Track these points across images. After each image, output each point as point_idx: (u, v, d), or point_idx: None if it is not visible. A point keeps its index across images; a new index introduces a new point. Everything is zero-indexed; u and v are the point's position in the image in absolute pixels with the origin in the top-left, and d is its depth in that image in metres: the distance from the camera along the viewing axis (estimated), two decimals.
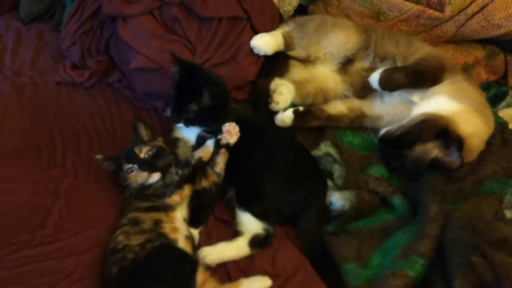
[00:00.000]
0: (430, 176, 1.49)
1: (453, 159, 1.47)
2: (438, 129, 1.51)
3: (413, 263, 1.30)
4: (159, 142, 1.54)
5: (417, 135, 1.53)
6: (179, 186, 1.42)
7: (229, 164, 1.51)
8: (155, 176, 1.43)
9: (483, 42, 2.04)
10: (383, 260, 1.40)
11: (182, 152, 1.61)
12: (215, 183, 1.50)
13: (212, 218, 1.53)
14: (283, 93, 1.71)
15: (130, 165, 1.44)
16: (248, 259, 1.41)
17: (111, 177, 1.58)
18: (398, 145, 1.57)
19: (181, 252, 1.30)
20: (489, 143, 1.65)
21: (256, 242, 1.41)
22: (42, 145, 1.69)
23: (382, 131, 1.62)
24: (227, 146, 1.49)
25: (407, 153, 1.55)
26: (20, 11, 2.34)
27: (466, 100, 1.61)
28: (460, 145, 1.50)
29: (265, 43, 1.80)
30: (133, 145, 1.49)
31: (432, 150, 1.52)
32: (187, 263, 1.24)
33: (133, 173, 1.43)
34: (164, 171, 1.45)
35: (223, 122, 1.53)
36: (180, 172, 1.43)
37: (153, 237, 1.30)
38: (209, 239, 1.46)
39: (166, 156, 1.51)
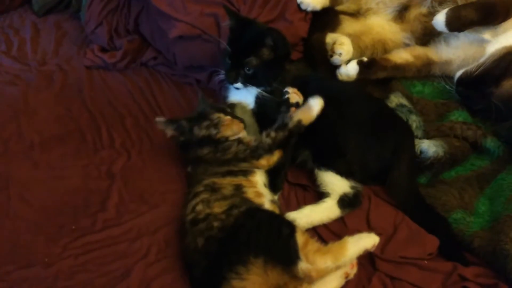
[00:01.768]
0: None
1: None
2: None
3: None
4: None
5: (503, 70, 1.39)
6: (269, 150, 1.26)
7: None
8: (242, 127, 1.31)
9: None
10: (491, 206, 1.26)
11: (241, 117, 1.45)
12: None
13: (287, 185, 1.37)
14: (344, 43, 1.56)
15: (221, 114, 1.30)
16: (339, 221, 1.27)
17: (167, 153, 1.42)
18: (481, 84, 1.42)
19: (273, 213, 1.14)
20: None
21: (345, 201, 1.26)
22: (84, 129, 1.54)
23: (459, 73, 1.47)
24: (297, 105, 1.34)
25: (493, 91, 1.40)
26: (33, 4, 2.19)
27: None
28: None
29: None
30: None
31: None
32: (283, 224, 1.07)
33: (226, 123, 1.28)
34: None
35: (282, 81, 1.39)
36: (273, 134, 1.27)
37: (238, 202, 1.14)
38: (289, 207, 1.30)
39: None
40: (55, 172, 1.38)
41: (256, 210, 1.13)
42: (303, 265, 0.98)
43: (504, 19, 1.50)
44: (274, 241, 1.03)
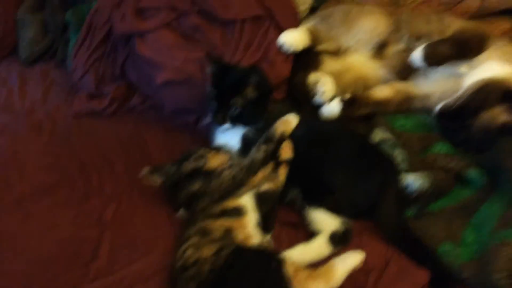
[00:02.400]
0: (506, 141, 1.37)
1: None
2: (503, 91, 1.42)
3: None
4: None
5: (481, 102, 1.44)
6: (264, 162, 1.32)
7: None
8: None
9: (508, 13, 1.98)
10: (478, 235, 1.29)
11: None
12: (277, 188, 1.36)
13: (278, 225, 1.39)
14: (326, 82, 1.61)
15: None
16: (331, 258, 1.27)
17: (158, 198, 1.44)
18: (460, 117, 1.47)
19: (260, 249, 1.17)
20: None
21: (336, 238, 1.28)
22: (74, 177, 1.54)
23: (439, 106, 1.52)
24: (286, 161, 1.38)
25: (472, 122, 1.44)
26: (19, 54, 2.21)
27: None
28: None
29: (293, 38, 1.71)
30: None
31: (500, 114, 1.42)
32: (271, 258, 1.11)
33: (212, 156, 1.32)
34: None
35: (268, 120, 1.44)
36: (264, 147, 1.33)
37: (227, 244, 1.15)
38: (281, 247, 1.31)
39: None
40: (46, 223, 1.37)
41: (243, 249, 1.15)
42: None
43: (478, 53, 1.57)
44: (265, 276, 1.06)
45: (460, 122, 1.47)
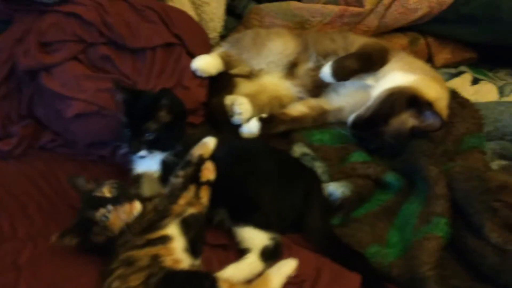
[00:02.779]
0: (417, 143, 1.46)
1: (432, 121, 1.47)
2: (407, 98, 1.52)
3: (437, 224, 1.25)
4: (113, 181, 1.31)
5: (389, 109, 1.52)
6: (184, 187, 1.26)
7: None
8: (137, 205, 1.22)
9: (403, 30, 2.14)
10: (402, 235, 1.34)
11: (148, 188, 1.44)
12: (201, 212, 1.33)
13: (207, 248, 1.35)
14: (243, 103, 1.63)
15: (103, 209, 1.21)
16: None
17: None
18: (372, 125, 1.54)
19: (190, 272, 1.14)
20: (449, 107, 1.66)
21: (267, 254, 1.27)
22: None
23: (351, 117, 1.58)
24: (209, 182, 1.35)
25: (383, 129, 1.52)
26: None
27: (419, 70, 1.65)
28: (431, 107, 1.50)
29: (206, 63, 1.73)
30: (87, 196, 1.27)
31: (408, 119, 1.51)
32: (203, 278, 1.08)
33: (112, 216, 1.20)
34: (140, 199, 1.26)
35: (187, 144, 1.41)
36: (182, 173, 1.28)
37: (155, 271, 1.11)
38: (211, 270, 1.27)
39: (130, 187, 1.33)
40: None
41: (173, 273, 1.11)
42: None
43: (382, 65, 1.67)
44: None
45: (372, 130, 1.54)
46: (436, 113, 1.47)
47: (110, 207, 1.21)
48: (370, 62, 1.66)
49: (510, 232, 1.21)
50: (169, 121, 1.40)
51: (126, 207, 1.21)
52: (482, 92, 1.99)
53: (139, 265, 1.13)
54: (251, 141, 1.60)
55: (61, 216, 1.44)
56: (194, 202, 1.32)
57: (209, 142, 1.39)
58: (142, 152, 1.39)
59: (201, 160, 1.35)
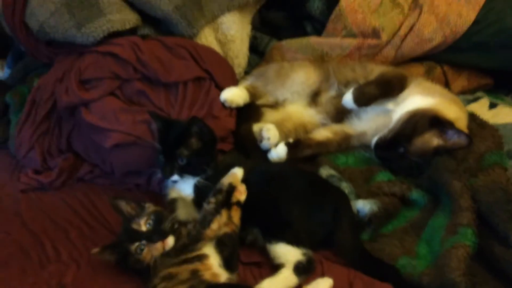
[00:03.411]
0: (440, 159, 1.51)
1: (457, 139, 1.54)
2: (429, 118, 1.58)
3: (464, 234, 1.29)
4: (151, 207, 1.39)
5: (411, 130, 1.59)
6: (216, 212, 1.32)
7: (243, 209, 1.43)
8: (170, 241, 1.29)
9: (420, 59, 2.22)
10: (430, 247, 1.37)
11: (183, 212, 1.51)
12: (234, 231, 1.39)
13: (241, 266, 1.41)
14: (270, 129, 1.71)
15: (137, 243, 1.28)
16: None
17: None
18: (395, 146, 1.61)
19: (232, 283, 1.20)
20: (469, 128, 1.72)
21: (300, 268, 1.32)
22: (26, 248, 1.50)
23: (375, 139, 1.65)
24: (238, 203, 1.42)
25: (408, 149, 1.58)
26: None
27: (437, 94, 1.72)
28: (453, 126, 1.56)
29: (234, 94, 1.83)
30: (126, 225, 1.35)
31: (432, 139, 1.57)
32: None
33: (145, 251, 1.28)
34: (174, 232, 1.33)
35: (217, 171, 1.49)
36: (213, 199, 1.33)
37: (196, 284, 1.16)
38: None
39: (167, 216, 1.38)
40: None
41: (216, 285, 1.16)
42: None
43: (401, 90, 1.75)
44: None
45: (395, 150, 1.60)
46: (460, 130, 1.54)
47: (144, 242, 1.28)
48: (389, 88, 1.74)
49: None
50: (199, 147, 1.49)
51: (158, 244, 1.27)
52: (501, 115, 2.04)
53: (180, 278, 1.20)
54: (280, 164, 1.68)
55: (102, 241, 1.50)
56: (227, 222, 1.38)
57: (237, 172, 1.44)
58: (175, 177, 1.47)
59: (231, 188, 1.40)
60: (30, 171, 1.87)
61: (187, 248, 1.29)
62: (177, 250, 1.29)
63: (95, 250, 1.30)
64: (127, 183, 1.78)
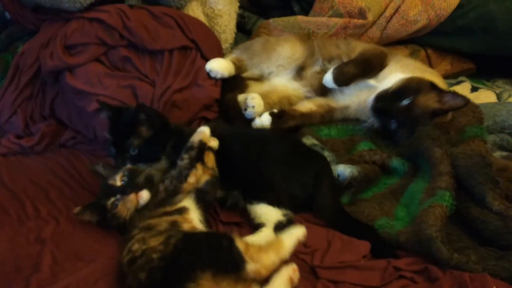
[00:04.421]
0: (424, 128, 1.53)
1: (453, 102, 1.58)
2: (429, 83, 1.62)
3: (442, 196, 1.31)
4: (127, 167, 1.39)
5: (415, 87, 1.62)
6: (191, 166, 1.32)
7: (223, 172, 1.43)
8: (144, 194, 1.29)
9: (405, 42, 2.26)
10: (408, 209, 1.40)
11: None
12: (213, 176, 1.39)
13: (221, 226, 1.42)
14: (255, 98, 1.72)
15: (113, 199, 1.29)
16: None
17: None
18: (396, 99, 1.62)
19: (209, 231, 1.22)
20: None
21: (281, 228, 1.32)
22: (6, 206, 1.47)
23: (373, 96, 1.67)
24: (210, 148, 1.42)
25: (408, 105, 1.59)
26: None
27: (417, 70, 1.75)
28: (450, 91, 1.63)
29: (220, 65, 1.84)
30: (103, 183, 1.36)
31: (431, 100, 1.60)
32: (221, 237, 1.13)
33: (120, 205, 1.28)
34: (149, 186, 1.33)
35: (174, 145, 1.46)
36: (186, 155, 1.34)
37: (174, 234, 1.17)
38: None
39: (142, 172, 1.37)
40: None
41: (192, 234, 1.17)
42: (251, 266, 1.05)
43: (381, 69, 1.79)
44: (217, 253, 1.07)
45: (395, 105, 1.61)
46: (456, 93, 1.58)
47: (119, 197, 1.28)
48: (369, 67, 1.77)
49: (509, 201, 1.28)
50: (150, 135, 1.44)
51: (132, 196, 1.27)
52: (481, 98, 2.08)
53: (158, 229, 1.19)
54: (261, 129, 1.69)
55: (82, 201, 1.49)
56: (205, 170, 1.38)
57: (205, 130, 1.41)
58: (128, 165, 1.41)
59: (202, 145, 1.38)
60: (11, 136, 1.85)
61: (165, 201, 1.29)
62: (156, 204, 1.29)
63: (76, 209, 1.31)
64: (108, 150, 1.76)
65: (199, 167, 1.34)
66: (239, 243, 1.11)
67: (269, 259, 1.10)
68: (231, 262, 1.06)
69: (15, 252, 1.28)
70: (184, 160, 1.34)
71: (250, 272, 1.04)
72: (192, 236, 1.16)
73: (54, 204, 1.51)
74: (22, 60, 1.89)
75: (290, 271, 1.12)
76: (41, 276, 1.20)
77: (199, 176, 1.33)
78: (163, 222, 1.22)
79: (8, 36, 2.17)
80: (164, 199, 1.30)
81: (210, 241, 1.12)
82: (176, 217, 1.25)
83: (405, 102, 1.59)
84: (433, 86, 1.61)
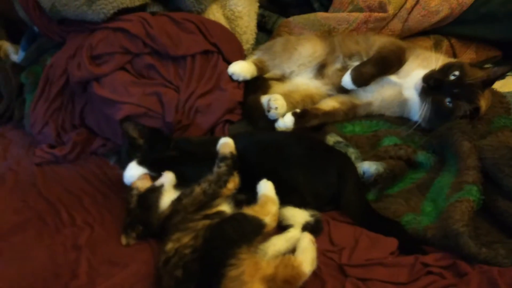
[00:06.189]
0: (455, 121, 1.53)
1: (500, 68, 1.65)
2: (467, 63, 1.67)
3: (469, 190, 1.31)
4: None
5: (459, 64, 1.64)
6: (229, 173, 1.37)
7: (246, 178, 1.45)
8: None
9: (427, 33, 2.23)
10: (435, 204, 1.39)
11: None
12: None
13: None
14: (278, 99, 1.73)
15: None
16: None
17: None
18: (445, 74, 1.63)
19: (224, 218, 1.27)
20: None
21: (308, 228, 1.34)
22: (43, 214, 1.54)
23: (414, 81, 1.69)
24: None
25: (461, 75, 1.61)
26: None
27: (439, 62, 1.72)
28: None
29: (242, 68, 1.86)
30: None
31: (478, 71, 1.64)
32: (235, 216, 1.25)
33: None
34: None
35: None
36: (223, 163, 1.38)
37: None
38: None
39: None
40: (20, 256, 1.36)
41: (214, 224, 1.23)
42: (267, 219, 1.24)
43: (400, 66, 1.79)
44: (241, 228, 1.18)
45: (448, 76, 1.62)
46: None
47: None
48: (387, 65, 1.77)
49: None
50: (144, 143, 1.52)
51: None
52: (509, 85, 2.04)
53: (193, 228, 1.24)
54: (278, 132, 1.72)
55: (114, 207, 1.56)
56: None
57: (227, 141, 1.46)
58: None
59: (234, 156, 1.43)
60: (45, 146, 1.92)
61: (205, 204, 1.34)
62: (194, 206, 1.34)
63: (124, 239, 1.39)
64: None
65: (236, 174, 1.38)
66: (248, 211, 1.25)
67: (272, 208, 1.28)
68: (254, 228, 1.20)
69: (54, 260, 1.34)
70: (221, 167, 1.39)
71: (268, 224, 1.22)
72: (214, 226, 1.22)
73: (88, 211, 1.56)
74: (51, 72, 1.95)
75: (309, 235, 1.26)
76: (79, 283, 1.26)
77: (237, 183, 1.38)
78: (200, 224, 1.26)
79: (37, 49, 2.24)
80: (204, 202, 1.34)
81: (231, 223, 1.21)
82: (215, 221, 1.29)
83: (454, 75, 1.60)
84: (471, 64, 1.63)
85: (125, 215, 1.42)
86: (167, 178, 1.41)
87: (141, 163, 1.45)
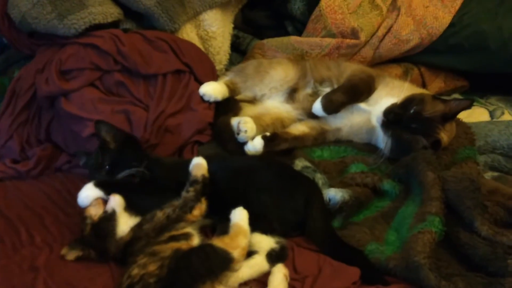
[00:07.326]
0: (421, 151, 1.55)
1: (462, 102, 1.68)
2: (430, 94, 1.68)
3: (431, 221, 1.32)
4: None
5: (420, 98, 1.66)
6: (196, 199, 1.36)
7: (212, 203, 1.44)
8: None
9: (398, 61, 2.28)
10: (398, 234, 1.41)
11: None
12: None
13: None
14: (247, 122, 1.73)
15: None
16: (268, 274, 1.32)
17: None
18: (406, 109, 1.64)
19: (191, 248, 1.26)
20: None
21: (273, 256, 1.33)
22: (1, 232, 1.49)
23: (382, 110, 1.68)
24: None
25: (422, 107, 1.63)
26: None
27: (407, 91, 1.75)
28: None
29: (213, 89, 1.86)
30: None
31: (439, 105, 1.64)
32: (204, 248, 1.24)
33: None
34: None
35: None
36: (191, 188, 1.37)
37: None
38: None
39: None
40: None
41: (180, 254, 1.22)
42: (235, 253, 1.21)
43: (369, 94, 1.80)
44: (208, 262, 1.17)
45: (407, 112, 1.63)
46: (458, 98, 1.76)
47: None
48: (356, 93, 1.78)
49: (498, 226, 1.29)
50: (118, 148, 1.53)
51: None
52: (475, 115, 2.10)
53: (161, 256, 1.22)
54: (248, 157, 1.72)
55: (76, 226, 1.52)
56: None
57: (201, 162, 1.46)
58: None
59: (206, 179, 1.43)
60: (7, 160, 1.87)
61: (167, 227, 1.33)
62: (156, 229, 1.32)
63: (64, 250, 1.36)
64: None
65: (203, 201, 1.38)
66: (217, 243, 1.22)
67: (242, 241, 1.26)
68: (222, 262, 1.18)
69: (9, 281, 1.30)
70: (189, 192, 1.38)
71: (237, 259, 1.21)
72: (181, 255, 1.20)
73: (49, 230, 1.52)
74: (18, 85, 1.92)
75: (283, 270, 1.26)
76: None
77: (203, 210, 1.37)
78: (167, 249, 1.24)
79: (5, 61, 2.20)
80: (166, 225, 1.33)
81: (198, 254, 1.19)
82: (182, 243, 1.28)
83: (414, 110, 1.62)
84: (434, 97, 1.65)
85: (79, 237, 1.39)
86: (116, 202, 1.37)
87: (98, 185, 1.42)
